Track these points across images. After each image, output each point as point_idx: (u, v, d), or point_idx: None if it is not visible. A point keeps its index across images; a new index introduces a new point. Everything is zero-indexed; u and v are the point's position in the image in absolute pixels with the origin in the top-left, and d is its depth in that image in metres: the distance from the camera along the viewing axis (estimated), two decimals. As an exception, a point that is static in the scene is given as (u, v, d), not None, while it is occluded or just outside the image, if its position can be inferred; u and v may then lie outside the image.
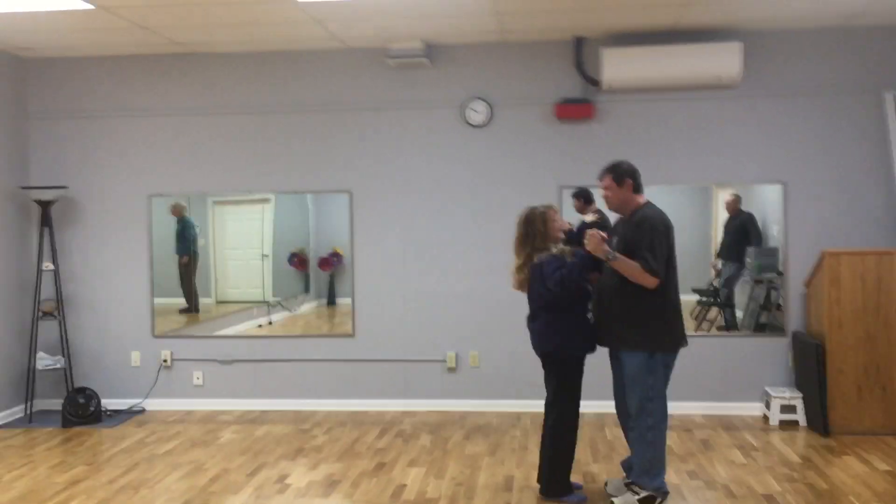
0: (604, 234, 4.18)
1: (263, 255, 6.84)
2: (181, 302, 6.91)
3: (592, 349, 4.42)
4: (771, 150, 6.28)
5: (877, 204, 6.16)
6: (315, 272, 6.80)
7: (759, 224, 6.35)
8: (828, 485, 4.65)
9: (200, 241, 6.87)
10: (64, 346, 6.65)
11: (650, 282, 4.11)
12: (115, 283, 6.85)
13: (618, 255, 4.15)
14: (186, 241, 6.88)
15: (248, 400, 6.75)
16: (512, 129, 6.50)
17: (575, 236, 4.49)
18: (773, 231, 6.33)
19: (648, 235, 4.13)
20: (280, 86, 6.69)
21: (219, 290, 6.91)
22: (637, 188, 4.34)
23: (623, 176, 4.30)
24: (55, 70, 6.83)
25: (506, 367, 6.50)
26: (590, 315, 4.39)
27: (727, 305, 6.44)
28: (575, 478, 4.64)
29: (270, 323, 6.84)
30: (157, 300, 6.85)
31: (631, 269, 4.12)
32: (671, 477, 4.76)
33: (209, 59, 6.72)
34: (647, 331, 4.19)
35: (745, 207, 6.37)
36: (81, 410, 6.36)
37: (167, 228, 6.85)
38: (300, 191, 6.71)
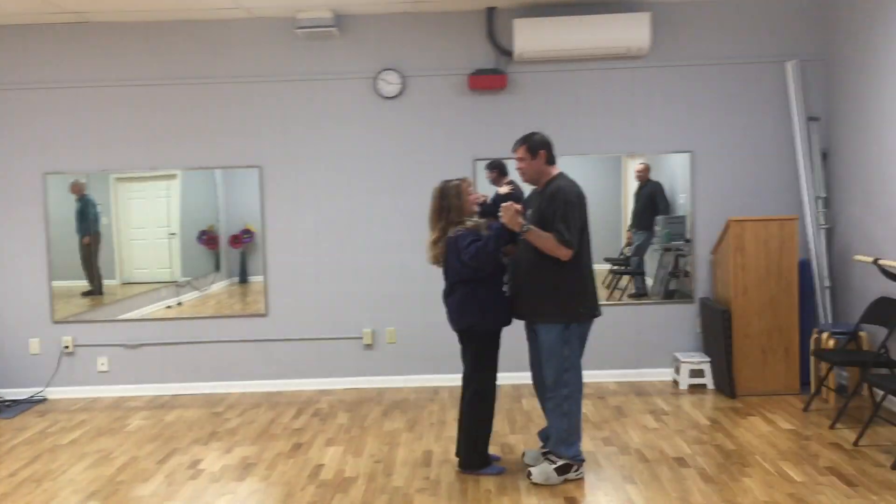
0: (518, 207, 4.17)
1: (170, 234, 6.59)
2: (84, 284, 6.61)
3: (508, 322, 4.42)
4: (679, 120, 6.39)
5: (779, 171, 6.35)
6: (226, 250, 6.60)
7: (667, 193, 6.48)
8: (735, 445, 4.81)
9: (103, 221, 6.57)
10: (-45, 335, 6.28)
11: (564, 253, 4.12)
12: (9, 267, 6.49)
13: (532, 227, 4.14)
14: (87, 221, 6.57)
15: (157, 385, 6.53)
16: (425, 101, 6.42)
17: (490, 208, 4.47)
18: (681, 199, 6.46)
19: (562, 207, 4.14)
20: (185, 57, 6.41)
21: (124, 271, 6.63)
22: (550, 159, 4.34)
23: (537, 147, 4.29)
24: (-66, 40, 6.38)
25: (423, 342, 6.47)
26: (505, 288, 4.38)
27: (637, 273, 6.57)
28: (493, 449, 4.67)
29: (180, 304, 6.62)
30: (59, 283, 6.53)
31: (544, 241, 4.13)
32: (587, 444, 4.84)
33: (109, 29, 6.38)
34: (561, 303, 4.21)
35: (654, 176, 6.47)
36: (-23, 402, 6.04)
37: (67, 208, 6.52)
38: (207, 166, 6.48)
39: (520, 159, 4.34)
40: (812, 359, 5.78)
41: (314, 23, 6.16)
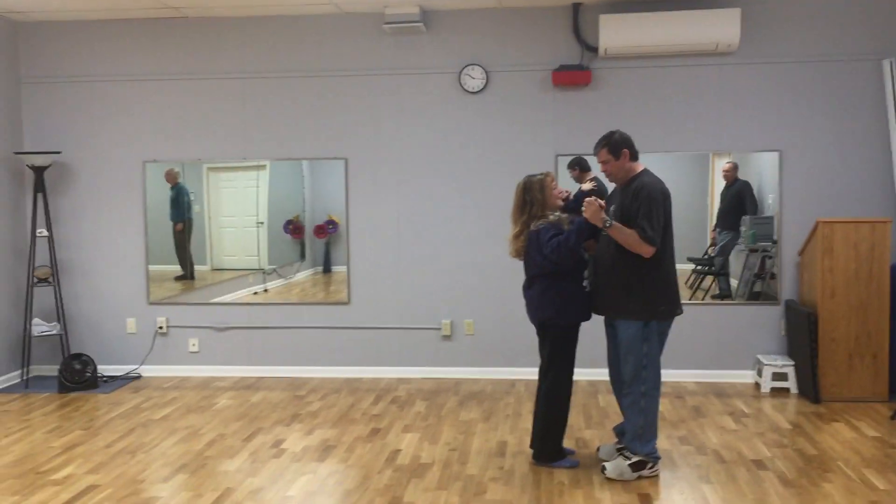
0: (601, 202, 4.18)
1: (258, 223, 6.82)
2: (176, 269, 6.91)
3: (587, 317, 4.44)
4: (768, 118, 6.26)
5: (873, 173, 6.16)
6: (310, 239, 6.79)
7: (756, 192, 6.35)
8: (817, 450, 4.71)
9: (195, 208, 6.85)
10: (59, 313, 6.66)
11: (646, 250, 4.11)
12: (109, 250, 6.84)
13: (614, 222, 4.15)
14: (181, 208, 6.86)
15: (243, 367, 6.79)
16: (508, 96, 6.46)
17: (572, 205, 4.49)
18: (769, 200, 6.33)
19: (646, 204, 4.12)
20: (275, 51, 6.63)
21: (214, 258, 6.90)
22: (634, 156, 4.31)
23: (619, 146, 4.27)
24: (48, 34, 6.76)
25: (500, 335, 6.53)
26: (585, 283, 4.40)
27: (722, 274, 6.46)
28: (568, 443, 4.70)
29: (266, 290, 6.85)
30: (153, 267, 6.85)
31: (627, 237, 4.12)
32: (663, 442, 4.81)
33: (204, 24, 6.65)
34: (642, 299, 4.20)
35: (742, 176, 6.35)
36: (77, 376, 6.39)
37: (162, 195, 6.83)
38: (295, 157, 6.68)
39: (604, 162, 4.33)
40: (902, 366, 5.61)
41: (401, 18, 6.28)
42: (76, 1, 6.13)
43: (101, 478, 4.40)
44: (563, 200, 4.51)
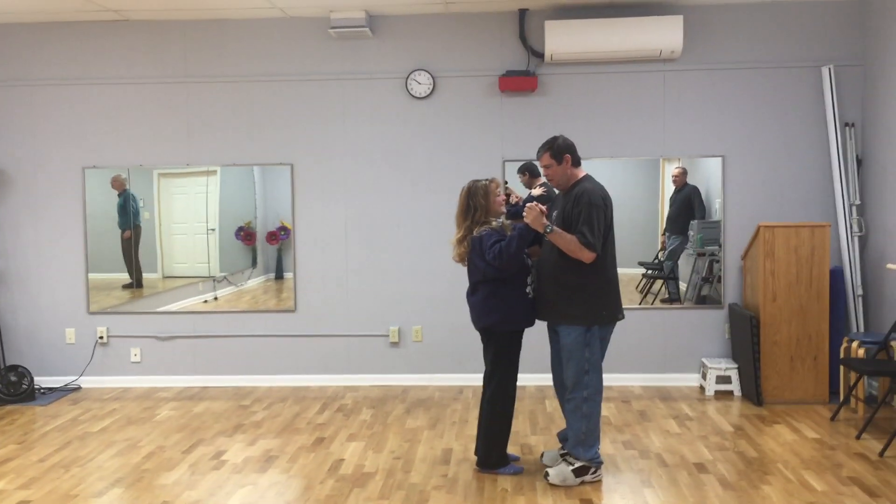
0: (542, 208, 4.18)
1: (209, 229, 6.70)
2: (125, 277, 6.75)
3: (531, 323, 4.43)
4: (711, 123, 6.33)
5: (813, 178, 6.26)
6: (262, 246, 6.69)
7: (704, 197, 6.41)
8: (758, 452, 4.75)
9: (145, 215, 6.70)
10: (-5, 323, 6.48)
11: (587, 256, 4.12)
12: (48, 259, 6.67)
13: (555, 228, 4.15)
14: (128, 215, 6.71)
15: (187, 376, 6.66)
16: (455, 101, 6.45)
17: (521, 210, 4.48)
18: (716, 204, 6.40)
19: (586, 210, 4.14)
20: (220, 55, 6.53)
21: (165, 265, 6.76)
22: (576, 162, 4.33)
23: (561, 152, 4.29)
24: (-18, 37, 6.58)
25: (449, 341, 6.50)
26: (529, 289, 4.39)
27: (671, 278, 6.51)
28: (513, 449, 4.69)
29: (216, 298, 6.73)
30: (101, 275, 6.68)
31: (568, 242, 4.13)
32: (606, 447, 4.83)
33: (147, 27, 6.53)
34: (584, 305, 4.21)
35: (690, 181, 6.42)
36: (13, 388, 6.21)
37: (109, 202, 6.67)
38: (240, 164, 6.59)
39: (546, 166, 4.35)
40: (841, 368, 5.69)
41: (347, 23, 6.23)
42: (11, 3, 5.96)
43: (32, 493, 4.27)
44: (512, 206, 4.51)
